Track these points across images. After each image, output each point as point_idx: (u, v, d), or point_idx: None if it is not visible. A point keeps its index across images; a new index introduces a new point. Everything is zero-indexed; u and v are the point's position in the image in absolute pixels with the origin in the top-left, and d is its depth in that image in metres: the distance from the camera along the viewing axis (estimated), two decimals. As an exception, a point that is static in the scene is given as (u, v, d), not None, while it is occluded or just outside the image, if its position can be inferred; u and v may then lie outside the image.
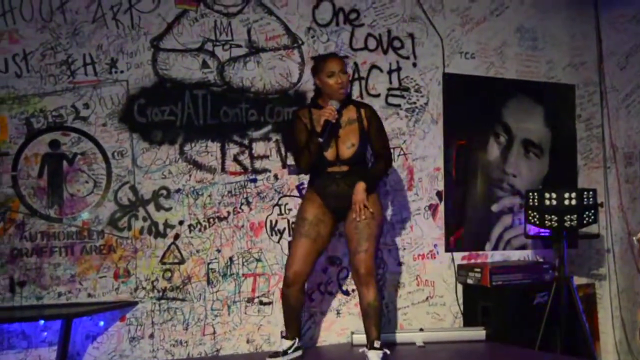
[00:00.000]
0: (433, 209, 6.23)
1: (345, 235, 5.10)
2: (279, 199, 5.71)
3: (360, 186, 4.95)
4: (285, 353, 5.17)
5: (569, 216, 5.85)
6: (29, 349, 5.02)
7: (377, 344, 4.87)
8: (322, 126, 4.92)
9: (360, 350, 4.96)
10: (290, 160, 5.66)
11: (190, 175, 5.49)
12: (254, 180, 5.67)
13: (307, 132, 5.03)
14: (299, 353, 5.23)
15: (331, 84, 4.95)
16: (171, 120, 5.46)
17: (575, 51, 6.87)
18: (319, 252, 5.11)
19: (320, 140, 4.91)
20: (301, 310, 5.21)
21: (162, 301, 5.38)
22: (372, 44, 6.07)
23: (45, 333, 5.03)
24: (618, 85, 6.86)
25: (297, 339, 5.22)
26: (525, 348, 5.64)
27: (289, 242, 5.48)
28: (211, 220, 5.54)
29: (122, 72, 5.33)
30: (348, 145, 5.00)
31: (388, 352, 4.94)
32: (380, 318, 4.98)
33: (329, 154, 5.00)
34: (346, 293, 5.89)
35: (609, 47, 6.90)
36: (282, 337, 5.25)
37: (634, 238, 2.47)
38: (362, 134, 5.01)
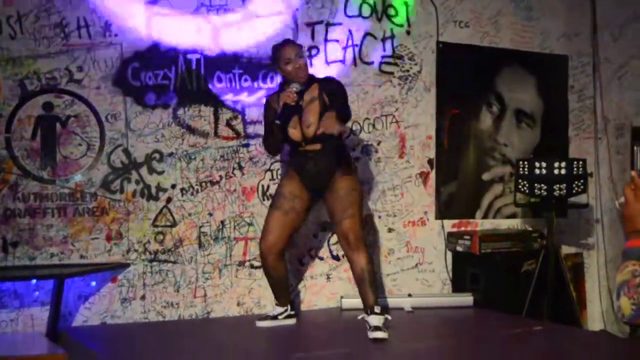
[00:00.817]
0: (424, 176, 6.28)
1: (328, 210, 5.16)
2: (271, 164, 5.76)
3: (329, 113, 4.89)
4: (275, 317, 5.26)
5: (558, 185, 5.90)
6: (21, 308, 5.06)
7: (377, 309, 4.88)
8: (281, 109, 4.97)
9: (360, 317, 4.97)
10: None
11: (183, 139, 5.52)
12: (247, 145, 5.71)
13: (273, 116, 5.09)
14: (291, 321, 5.30)
15: (289, 70, 5.00)
16: (165, 84, 5.48)
17: (569, 22, 6.89)
18: (292, 226, 5.15)
19: (277, 122, 4.97)
20: (285, 279, 5.27)
21: (154, 263, 5.44)
22: (366, 11, 6.09)
23: (37, 293, 5.07)
24: (611, 56, 6.90)
25: (288, 307, 5.30)
26: (512, 315, 5.71)
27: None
28: (203, 184, 5.58)
29: (116, 35, 5.34)
30: (307, 124, 5.00)
31: (389, 317, 4.97)
32: (374, 281, 5.02)
33: (295, 135, 5.03)
34: (336, 258, 5.95)
35: (603, 18, 6.92)
36: (275, 304, 5.33)
37: (616, 202, 2.52)
38: (323, 110, 4.99)
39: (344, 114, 5.00)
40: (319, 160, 5.02)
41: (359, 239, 4.97)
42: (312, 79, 5.10)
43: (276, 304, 5.31)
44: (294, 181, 5.13)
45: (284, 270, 5.22)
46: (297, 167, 5.11)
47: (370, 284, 4.94)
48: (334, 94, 5.01)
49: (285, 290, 5.30)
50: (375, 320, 4.83)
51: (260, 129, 5.69)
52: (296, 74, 5.00)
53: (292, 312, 5.32)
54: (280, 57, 5.03)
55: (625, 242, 2.50)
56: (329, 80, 5.16)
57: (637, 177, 2.54)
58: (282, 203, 5.11)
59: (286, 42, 5.19)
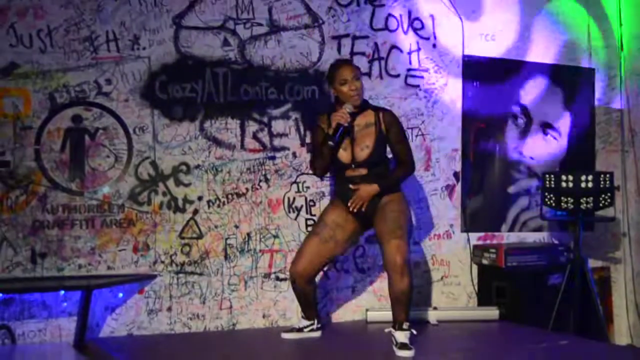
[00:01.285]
0: (450, 189, 6.28)
1: (377, 233, 5.06)
2: (297, 176, 5.77)
3: (372, 187, 4.99)
4: (301, 330, 5.28)
5: (585, 199, 5.88)
6: (49, 318, 5.11)
7: (405, 325, 4.83)
8: (334, 129, 4.97)
9: (387, 330, 4.93)
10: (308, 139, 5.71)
11: (209, 152, 5.56)
12: (273, 158, 5.73)
13: (323, 136, 5.08)
14: (317, 334, 5.31)
15: (345, 91, 5.00)
16: (192, 97, 5.52)
17: (596, 35, 6.86)
18: (329, 255, 5.15)
19: (331, 143, 4.96)
20: (313, 298, 5.27)
21: (180, 275, 5.47)
22: (392, 24, 6.10)
23: (65, 303, 5.12)
24: (638, 69, 6.85)
25: (315, 321, 5.31)
26: (538, 328, 5.68)
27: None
28: (230, 196, 5.61)
29: (144, 48, 5.39)
30: (362, 147, 5.02)
31: (415, 332, 4.91)
32: (410, 303, 4.93)
33: (344, 156, 5.04)
34: (362, 271, 5.96)
35: (630, 30, 6.88)
36: (302, 317, 5.35)
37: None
38: (379, 137, 5.03)
39: (401, 178, 5.13)
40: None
41: (406, 263, 4.86)
42: (366, 103, 5.12)
43: (302, 317, 5.33)
44: (338, 210, 5.13)
45: (312, 291, 5.24)
46: (342, 195, 5.10)
47: (405, 306, 4.87)
48: (395, 136, 5.07)
49: (312, 306, 5.31)
50: (402, 336, 4.79)
51: (286, 142, 5.73)
52: (351, 96, 5.00)
53: (319, 326, 5.32)
54: (336, 77, 5.03)
55: None
56: (388, 112, 5.16)
57: None
58: (322, 230, 5.12)
59: (344, 62, 5.23)
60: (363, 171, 5.03)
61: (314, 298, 5.30)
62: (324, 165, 5.11)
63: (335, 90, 5.07)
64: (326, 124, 5.09)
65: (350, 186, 5.02)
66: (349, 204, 5.02)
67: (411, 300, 4.94)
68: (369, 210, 5.04)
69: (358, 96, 5.02)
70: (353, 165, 5.03)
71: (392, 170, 5.13)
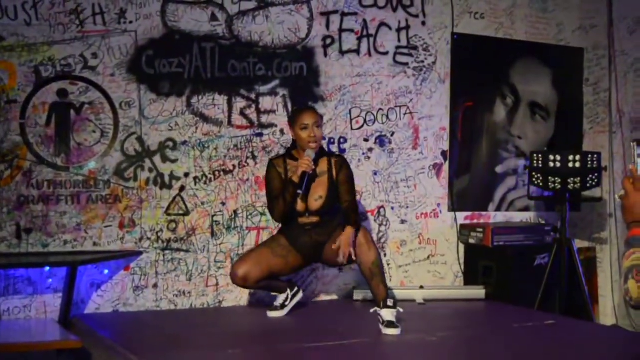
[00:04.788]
0: (437, 168, 6.26)
1: (331, 257, 5.12)
2: (285, 154, 5.74)
3: (350, 233, 4.96)
4: (283, 305, 5.27)
5: (572, 179, 5.88)
6: (34, 295, 5.07)
7: (390, 302, 4.86)
8: (300, 177, 4.98)
9: (372, 310, 4.92)
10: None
11: (196, 128, 5.51)
12: (260, 135, 5.69)
13: (281, 180, 5.11)
14: (298, 297, 5.34)
15: (303, 137, 5.03)
16: (179, 72, 5.46)
17: (585, 14, 6.84)
18: (274, 270, 5.13)
19: (300, 192, 4.98)
20: (268, 284, 5.23)
21: (167, 252, 5.44)
22: (381, 1, 6.05)
23: (51, 280, 5.08)
24: (627, 49, 6.83)
25: (288, 290, 5.31)
26: (524, 308, 5.69)
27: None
28: (217, 173, 5.57)
29: (131, 22, 5.32)
30: (316, 197, 5.10)
31: (401, 310, 4.92)
32: (384, 275, 5.03)
33: (299, 205, 5.09)
34: (349, 249, 5.94)
35: (619, 11, 6.86)
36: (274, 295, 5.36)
37: (617, 195, 2.62)
38: (331, 185, 5.11)
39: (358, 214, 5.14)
40: (316, 233, 5.14)
41: (368, 234, 5.03)
42: (321, 150, 5.17)
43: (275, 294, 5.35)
44: (289, 246, 5.19)
45: (265, 281, 5.18)
46: (292, 240, 5.17)
47: (381, 277, 4.96)
48: (343, 177, 5.12)
49: (275, 285, 5.30)
50: (388, 314, 4.81)
51: (274, 118, 5.71)
52: (308, 143, 5.03)
53: (295, 291, 5.33)
54: (298, 121, 5.05)
55: (628, 231, 2.62)
56: (339, 157, 5.24)
57: (635, 171, 2.65)
58: (275, 246, 5.17)
59: (307, 108, 5.29)
60: (315, 219, 5.14)
61: (271, 282, 5.24)
62: (286, 211, 5.10)
63: (295, 134, 5.09)
64: (282, 168, 5.11)
65: (333, 247, 5.00)
66: (338, 259, 4.98)
67: (384, 271, 5.04)
68: (318, 253, 5.16)
69: (316, 144, 5.06)
70: (307, 214, 5.11)
71: (346, 211, 5.09)
